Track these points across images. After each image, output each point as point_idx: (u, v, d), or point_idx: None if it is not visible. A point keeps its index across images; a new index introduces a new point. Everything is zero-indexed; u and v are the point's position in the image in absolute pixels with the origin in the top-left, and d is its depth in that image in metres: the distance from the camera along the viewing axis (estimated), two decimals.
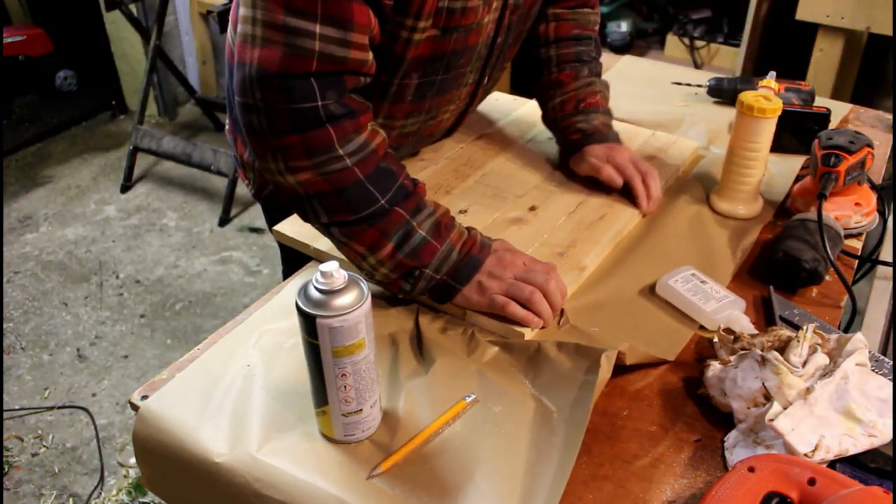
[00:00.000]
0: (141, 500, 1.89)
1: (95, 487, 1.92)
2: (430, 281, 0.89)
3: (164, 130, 3.47)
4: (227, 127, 1.21)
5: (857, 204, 1.09)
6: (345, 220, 0.88)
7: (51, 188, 3.23)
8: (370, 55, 0.88)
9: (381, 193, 0.87)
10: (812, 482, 0.64)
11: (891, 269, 1.02)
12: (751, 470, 0.66)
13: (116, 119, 3.78)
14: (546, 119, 1.26)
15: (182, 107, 3.84)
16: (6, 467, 1.97)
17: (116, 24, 3.50)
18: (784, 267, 0.96)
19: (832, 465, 0.72)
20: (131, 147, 3.18)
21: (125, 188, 3.21)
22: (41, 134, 3.58)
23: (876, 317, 0.92)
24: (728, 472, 0.68)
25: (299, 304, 0.68)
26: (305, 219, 0.93)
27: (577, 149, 1.19)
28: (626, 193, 1.15)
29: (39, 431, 2.08)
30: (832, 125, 1.30)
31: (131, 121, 3.40)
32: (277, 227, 1.06)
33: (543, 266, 0.92)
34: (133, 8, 3.23)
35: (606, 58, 1.44)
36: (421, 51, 0.96)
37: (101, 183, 3.27)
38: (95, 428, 2.08)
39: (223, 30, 2.85)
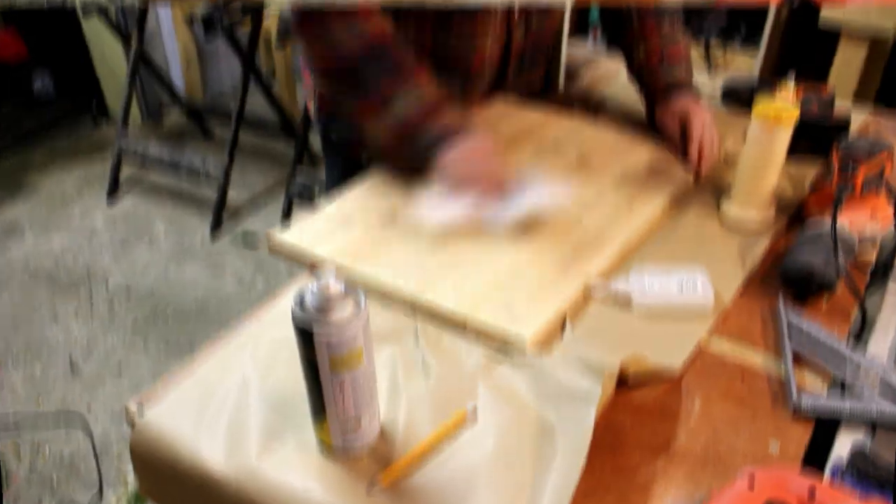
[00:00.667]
0: None
1: (94, 498, 1.96)
2: (419, 145, 1.13)
3: (149, 135, 3.52)
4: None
5: (872, 212, 1.12)
6: (349, 91, 1.16)
7: (34, 197, 3.27)
8: None
9: (374, 73, 1.13)
10: (811, 495, 0.67)
11: None
12: (750, 483, 0.70)
13: (99, 124, 3.82)
14: (631, 70, 1.44)
15: (166, 109, 3.88)
16: (4, 480, 2.00)
17: (95, 29, 3.52)
18: (795, 277, 0.99)
19: (834, 474, 0.75)
20: (116, 153, 3.22)
21: (111, 195, 3.25)
22: (20, 141, 3.61)
23: (887, 327, 0.95)
24: (728, 484, 0.71)
25: (295, 316, 0.70)
26: (330, 94, 1.32)
27: (662, 99, 1.36)
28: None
29: (36, 444, 2.12)
30: (852, 128, 1.33)
31: (114, 125, 3.44)
32: (275, 238, 1.10)
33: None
34: (111, 12, 3.25)
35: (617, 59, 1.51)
36: None
37: (86, 190, 3.31)
38: (92, 439, 2.12)
39: (207, 34, 2.90)
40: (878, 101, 2.51)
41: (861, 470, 0.73)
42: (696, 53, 2.82)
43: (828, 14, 2.34)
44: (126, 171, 3.34)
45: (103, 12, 3.17)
